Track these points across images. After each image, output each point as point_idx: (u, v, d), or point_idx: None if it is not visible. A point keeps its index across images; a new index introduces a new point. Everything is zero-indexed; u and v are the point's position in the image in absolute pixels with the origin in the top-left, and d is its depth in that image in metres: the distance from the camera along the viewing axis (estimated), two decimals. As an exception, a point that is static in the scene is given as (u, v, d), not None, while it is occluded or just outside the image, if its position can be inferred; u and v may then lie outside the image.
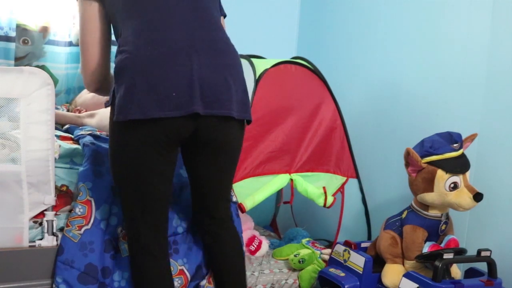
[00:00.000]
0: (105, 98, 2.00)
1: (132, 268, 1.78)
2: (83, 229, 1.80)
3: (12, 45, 2.52)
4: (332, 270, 2.19)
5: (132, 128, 1.58)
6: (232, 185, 1.92)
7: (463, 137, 2.06)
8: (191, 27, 1.62)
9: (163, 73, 1.55)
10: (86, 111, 2.44)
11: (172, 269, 1.82)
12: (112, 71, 1.75)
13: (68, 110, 2.59)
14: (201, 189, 1.82)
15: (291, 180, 2.29)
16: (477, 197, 1.97)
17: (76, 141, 2.03)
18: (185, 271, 1.93)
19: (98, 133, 2.07)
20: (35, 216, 1.81)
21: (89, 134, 2.03)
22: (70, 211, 1.85)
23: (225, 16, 1.86)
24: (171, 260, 1.87)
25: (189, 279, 1.94)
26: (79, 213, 1.81)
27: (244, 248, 2.02)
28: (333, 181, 2.39)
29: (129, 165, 1.64)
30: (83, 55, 1.77)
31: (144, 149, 1.61)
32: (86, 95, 2.51)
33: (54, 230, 1.82)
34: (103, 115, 2.31)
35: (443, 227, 2.08)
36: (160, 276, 1.74)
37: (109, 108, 2.31)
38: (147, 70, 1.56)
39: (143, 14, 1.62)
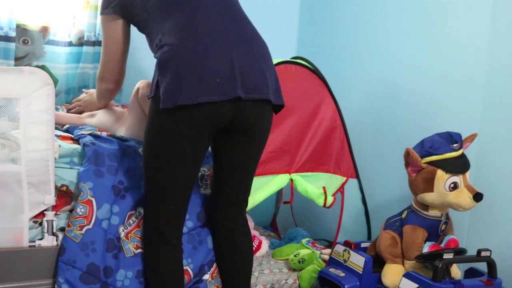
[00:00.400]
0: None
1: (148, 256, 1.85)
2: (84, 229, 1.80)
3: (12, 45, 2.51)
4: (332, 270, 2.19)
5: (177, 114, 1.65)
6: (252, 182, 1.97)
7: (463, 137, 2.07)
8: (225, 21, 1.75)
9: (206, 62, 1.66)
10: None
11: None
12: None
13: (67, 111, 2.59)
14: (227, 179, 1.90)
15: (291, 180, 2.29)
16: (477, 197, 1.97)
17: (76, 140, 2.03)
18: (189, 270, 1.94)
19: (98, 132, 2.07)
20: (35, 216, 1.81)
21: (89, 134, 2.03)
22: (70, 211, 1.85)
23: None
24: None
25: (191, 277, 1.94)
26: (80, 213, 1.81)
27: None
28: (333, 181, 2.39)
29: (169, 151, 1.71)
30: (106, 68, 2.04)
31: (187, 134, 1.69)
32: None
33: (54, 230, 1.82)
34: (103, 114, 2.31)
35: (443, 227, 2.08)
36: (175, 264, 1.83)
37: (108, 110, 2.33)
38: (192, 60, 1.66)
39: (180, 12, 1.73)
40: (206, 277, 1.98)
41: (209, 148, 1.91)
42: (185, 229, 1.96)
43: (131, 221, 1.90)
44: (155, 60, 1.75)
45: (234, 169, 1.88)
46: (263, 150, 1.91)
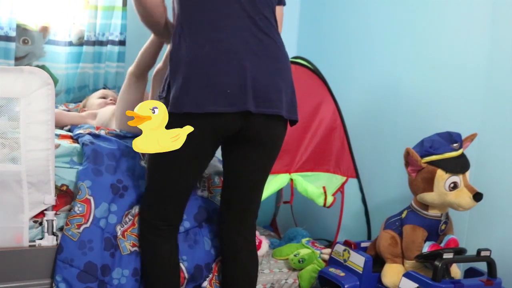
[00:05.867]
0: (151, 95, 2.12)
1: (143, 250, 1.86)
2: (82, 228, 1.80)
3: (12, 45, 2.52)
4: (332, 270, 2.19)
5: (183, 120, 1.62)
6: (262, 195, 1.95)
7: (463, 137, 2.07)
8: (247, 30, 1.68)
9: (218, 71, 1.63)
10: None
11: None
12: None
13: (70, 110, 2.60)
14: (235, 189, 1.87)
15: (291, 180, 2.29)
16: (477, 197, 1.97)
17: (75, 140, 2.03)
18: (183, 268, 1.93)
19: (97, 131, 2.07)
20: (35, 216, 1.81)
21: (88, 133, 2.03)
22: (70, 210, 1.85)
23: (284, 4, 1.89)
24: None
25: (186, 277, 1.94)
26: (78, 212, 1.81)
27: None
28: (333, 181, 2.39)
29: (172, 155, 1.67)
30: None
31: (191, 141, 1.65)
32: (94, 100, 2.52)
33: (54, 230, 1.82)
34: (103, 114, 2.32)
35: (443, 227, 2.08)
36: (171, 258, 1.85)
37: (110, 108, 2.33)
38: (204, 67, 1.63)
39: (202, 13, 1.67)
40: (205, 284, 1.98)
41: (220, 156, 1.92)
42: (181, 229, 1.96)
43: (127, 219, 1.90)
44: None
45: (241, 179, 1.85)
46: (273, 163, 1.87)
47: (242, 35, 1.67)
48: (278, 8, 1.84)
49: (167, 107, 1.64)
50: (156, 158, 1.74)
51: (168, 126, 1.63)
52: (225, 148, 1.84)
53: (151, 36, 2.08)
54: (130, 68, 2.18)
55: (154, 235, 1.84)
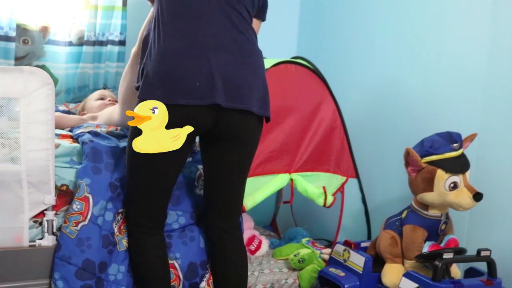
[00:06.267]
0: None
1: (130, 246, 1.87)
2: (80, 225, 1.80)
3: (12, 45, 2.52)
4: (332, 269, 2.19)
5: None
6: (244, 190, 1.95)
7: (463, 137, 2.07)
8: (220, 26, 1.71)
9: (188, 64, 1.65)
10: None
11: None
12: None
13: (69, 113, 2.60)
14: (214, 185, 1.89)
15: (291, 180, 2.29)
16: (477, 197, 1.97)
17: (75, 139, 2.03)
18: (176, 266, 1.94)
19: (97, 129, 2.07)
20: (35, 216, 1.81)
21: (89, 132, 2.03)
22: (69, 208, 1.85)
23: (263, 20, 1.94)
24: None
25: (180, 276, 1.94)
26: (76, 209, 1.81)
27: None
28: (333, 180, 2.39)
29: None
30: None
31: None
32: (93, 102, 2.52)
33: (54, 230, 1.82)
34: (104, 115, 2.32)
35: (443, 227, 2.08)
36: (157, 251, 1.85)
37: (110, 109, 2.33)
38: (175, 59, 1.65)
39: (179, 6, 1.70)
40: (203, 284, 1.98)
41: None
42: (176, 225, 1.97)
43: (119, 218, 1.91)
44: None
45: (220, 175, 1.87)
46: (251, 159, 1.89)
47: (215, 30, 1.70)
48: (255, 21, 1.88)
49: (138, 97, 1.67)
50: (133, 155, 1.73)
51: None
52: (202, 145, 1.86)
53: (150, 11, 2.03)
54: (134, 48, 2.14)
55: (138, 232, 1.85)
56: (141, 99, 1.65)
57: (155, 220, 1.87)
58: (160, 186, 1.81)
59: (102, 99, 2.52)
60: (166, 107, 1.62)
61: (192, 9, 1.70)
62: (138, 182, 1.81)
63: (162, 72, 1.65)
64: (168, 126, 1.64)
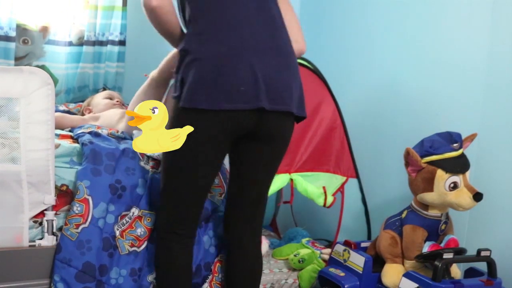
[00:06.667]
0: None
1: (159, 253, 1.83)
2: (80, 228, 1.80)
3: (12, 45, 2.52)
4: (332, 270, 2.19)
5: (197, 117, 1.63)
6: (268, 195, 1.95)
7: (463, 137, 2.06)
8: (256, 27, 1.70)
9: (231, 69, 1.63)
10: (94, 113, 2.46)
11: None
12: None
13: (69, 113, 2.60)
14: (241, 185, 1.86)
15: (291, 179, 2.29)
16: (477, 197, 1.97)
17: (76, 139, 2.03)
18: None
19: (98, 130, 2.07)
20: (35, 216, 1.81)
21: (89, 132, 2.03)
22: (69, 210, 1.85)
23: None
24: None
25: None
26: (76, 212, 1.81)
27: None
28: (333, 180, 2.39)
29: (186, 153, 1.67)
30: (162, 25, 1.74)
31: (205, 139, 1.66)
32: (100, 100, 2.52)
33: (54, 230, 1.82)
34: (108, 116, 2.31)
35: (443, 227, 2.08)
36: (185, 264, 1.82)
37: (113, 111, 2.33)
38: (218, 64, 1.63)
39: (212, 12, 1.68)
40: (205, 285, 1.98)
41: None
42: None
43: (124, 221, 1.90)
44: None
45: (249, 175, 1.84)
46: (281, 161, 1.88)
47: (252, 30, 1.68)
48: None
49: (179, 106, 1.65)
50: (171, 160, 1.73)
51: (180, 122, 1.62)
52: (235, 146, 1.81)
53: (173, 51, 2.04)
54: (153, 72, 2.15)
55: (170, 241, 1.80)
56: (185, 107, 1.62)
57: (190, 227, 1.83)
58: (198, 190, 1.78)
59: (110, 98, 2.52)
60: (210, 113, 1.62)
61: (225, 12, 1.68)
62: (176, 187, 1.77)
63: (204, 79, 1.62)
64: (215, 131, 1.65)
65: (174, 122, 1.65)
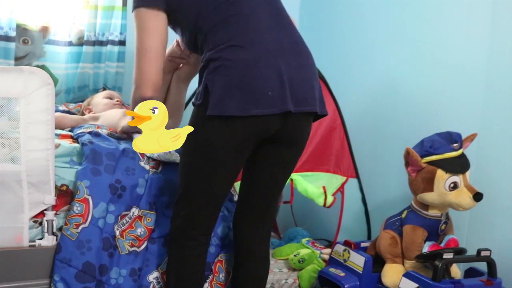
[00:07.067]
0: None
1: (173, 257, 1.82)
2: (80, 228, 1.80)
3: (12, 45, 2.52)
4: (332, 270, 2.19)
5: (224, 124, 1.62)
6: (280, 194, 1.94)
7: (463, 137, 2.07)
8: (275, 30, 1.69)
9: (257, 74, 1.61)
10: (94, 113, 2.46)
11: None
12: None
13: (69, 113, 2.60)
14: (255, 185, 1.84)
15: (291, 180, 2.29)
16: (477, 197, 1.97)
17: (76, 139, 2.03)
18: None
19: (98, 130, 2.07)
20: (35, 216, 1.81)
21: (89, 132, 2.03)
22: (69, 210, 1.85)
23: None
24: None
25: None
26: (76, 212, 1.80)
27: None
28: (333, 180, 2.39)
29: (212, 161, 1.67)
30: (142, 69, 1.73)
31: (232, 146, 1.65)
32: (101, 99, 2.51)
33: (54, 230, 1.82)
34: (109, 116, 2.31)
35: (443, 227, 2.08)
36: (198, 270, 1.82)
37: (113, 111, 2.33)
38: (243, 71, 1.61)
39: (231, 23, 1.66)
40: (206, 285, 1.98)
41: None
42: None
43: (124, 221, 1.90)
44: None
45: (268, 178, 1.82)
46: (297, 162, 1.87)
47: (271, 34, 1.67)
48: None
49: (204, 113, 1.62)
50: (195, 167, 1.71)
51: (207, 131, 1.62)
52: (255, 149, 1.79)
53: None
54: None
55: (185, 245, 1.79)
56: (211, 115, 1.60)
57: (208, 233, 1.82)
58: (219, 195, 1.76)
59: (110, 98, 2.52)
60: (238, 119, 1.60)
61: (244, 20, 1.67)
62: (198, 191, 1.74)
63: (231, 85, 1.60)
64: (242, 137, 1.64)
65: (199, 131, 1.62)
